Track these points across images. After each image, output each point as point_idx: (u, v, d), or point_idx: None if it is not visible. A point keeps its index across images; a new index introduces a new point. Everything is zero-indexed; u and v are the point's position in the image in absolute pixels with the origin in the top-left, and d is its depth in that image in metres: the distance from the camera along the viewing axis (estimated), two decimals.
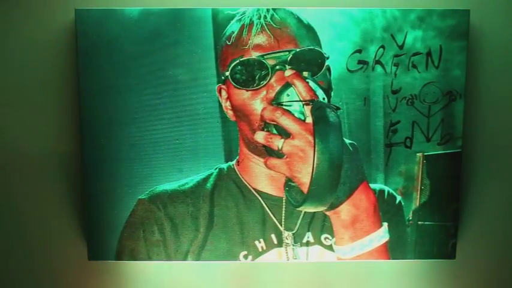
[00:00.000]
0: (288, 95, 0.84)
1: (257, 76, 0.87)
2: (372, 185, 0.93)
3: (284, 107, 0.83)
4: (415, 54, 0.93)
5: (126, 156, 0.94)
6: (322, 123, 0.79)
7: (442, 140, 0.96)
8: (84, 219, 1.01)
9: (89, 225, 0.97)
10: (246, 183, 0.95)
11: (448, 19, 0.93)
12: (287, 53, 0.86)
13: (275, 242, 0.95)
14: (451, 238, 0.99)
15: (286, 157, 0.82)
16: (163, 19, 0.91)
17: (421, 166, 0.95)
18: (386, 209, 0.95)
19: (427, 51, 0.94)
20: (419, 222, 0.98)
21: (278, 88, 0.85)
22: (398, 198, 0.97)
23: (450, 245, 0.99)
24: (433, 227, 0.98)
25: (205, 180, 0.97)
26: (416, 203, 0.97)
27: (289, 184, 0.87)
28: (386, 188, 0.98)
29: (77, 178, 1.00)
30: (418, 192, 0.96)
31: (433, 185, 0.97)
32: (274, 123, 0.84)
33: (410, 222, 0.98)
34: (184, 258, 0.96)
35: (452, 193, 0.97)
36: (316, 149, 0.77)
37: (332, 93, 0.91)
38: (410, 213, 0.97)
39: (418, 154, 0.95)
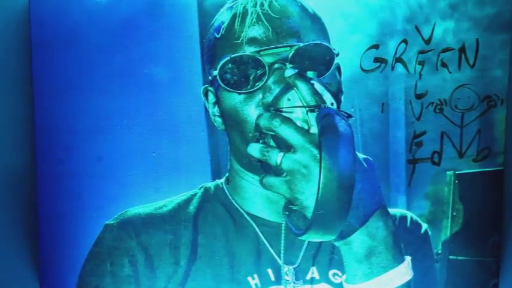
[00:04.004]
0: (288, 100, 0.84)
1: (252, 76, 0.88)
2: (392, 210, 0.94)
3: (284, 113, 0.84)
4: (445, 50, 0.95)
5: (90, 171, 0.95)
6: (330, 133, 0.79)
7: (479, 156, 0.97)
8: (36, 248, 1.02)
9: (42, 257, 0.98)
10: (237, 206, 0.96)
11: (487, 7, 0.95)
12: (288, 48, 0.87)
13: (272, 278, 0.96)
14: (491, 277, 0.99)
15: (286, 174, 0.83)
16: (137, 6, 0.92)
17: (452, 187, 0.96)
18: (409, 240, 0.96)
19: (460, 46, 0.95)
20: (451, 257, 0.98)
21: (277, 91, 0.86)
22: (425, 226, 0.97)
23: (491, 285, 0.99)
24: (468, 263, 0.98)
25: (187, 202, 0.98)
26: (446, 233, 0.97)
27: (290, 207, 0.87)
28: (409, 214, 0.98)
29: (28, 198, 1.01)
30: (449, 220, 0.97)
31: (467, 210, 0.97)
32: (272, 133, 0.84)
33: (440, 256, 0.98)
34: None
35: (491, 221, 0.98)
36: (322, 165, 0.77)
37: (342, 98, 0.92)
38: (440, 245, 0.98)
39: (448, 173, 0.96)
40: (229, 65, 0.88)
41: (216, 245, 0.95)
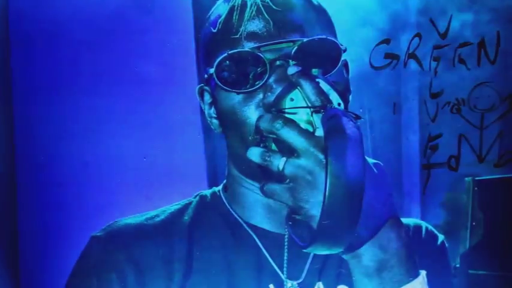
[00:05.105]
0: (291, 100, 0.83)
1: (251, 74, 0.87)
2: (405, 220, 0.93)
3: (287, 115, 0.83)
4: (462, 44, 0.95)
5: (75, 179, 0.95)
6: (336, 136, 0.78)
7: (501, 160, 0.97)
8: (15, 264, 1.01)
9: (23, 273, 0.97)
10: (235, 215, 0.96)
11: None
12: (291, 43, 0.87)
13: None
14: None
15: (289, 181, 0.81)
16: None
17: (471, 195, 0.96)
18: (424, 253, 0.95)
19: (480, 40, 0.95)
20: (471, 271, 0.98)
21: (279, 90, 0.85)
22: (441, 237, 0.97)
23: None
24: (490, 278, 0.98)
25: (181, 211, 0.98)
26: (465, 245, 0.97)
27: (294, 217, 0.86)
28: (424, 224, 0.98)
29: (6, 209, 1.01)
30: (468, 230, 0.97)
31: (488, 220, 0.97)
32: (274, 136, 0.83)
33: (458, 270, 0.97)
34: None
35: None
36: (328, 171, 0.76)
37: (350, 97, 0.92)
38: (458, 258, 0.97)
39: (467, 179, 0.95)
40: (227, 62, 0.87)
41: (213, 258, 0.95)
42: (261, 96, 0.87)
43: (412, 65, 0.93)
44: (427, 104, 0.94)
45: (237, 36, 0.88)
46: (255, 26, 0.87)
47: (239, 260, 0.94)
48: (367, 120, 0.91)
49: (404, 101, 0.93)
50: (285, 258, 0.92)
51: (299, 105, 0.82)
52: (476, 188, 0.95)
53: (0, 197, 1.01)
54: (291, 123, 0.80)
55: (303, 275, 0.95)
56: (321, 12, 0.92)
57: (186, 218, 0.97)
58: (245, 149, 0.84)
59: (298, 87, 0.82)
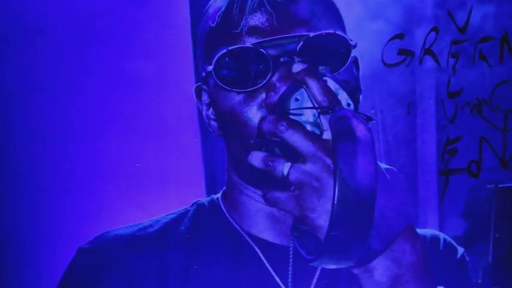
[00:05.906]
0: (297, 100, 0.83)
1: (253, 72, 0.87)
2: (421, 231, 0.93)
3: (291, 116, 0.82)
4: (483, 39, 0.94)
5: (60, 186, 0.94)
6: (346, 140, 0.77)
7: None
8: None
9: (3, 285, 0.97)
10: (236, 225, 0.96)
11: None
12: (296, 39, 0.86)
13: None
14: None
15: (295, 188, 0.81)
16: None
17: (494, 203, 0.95)
18: (442, 267, 0.95)
19: (503, 35, 0.94)
20: None
21: (283, 89, 0.84)
22: (461, 250, 0.96)
23: None
24: None
25: (177, 221, 0.97)
26: (488, 259, 0.96)
27: (299, 228, 0.86)
28: (441, 235, 0.97)
29: None
30: (491, 243, 0.96)
31: None
32: (278, 139, 0.82)
33: (480, 286, 0.96)
34: None
35: None
36: (337, 176, 0.75)
37: (361, 97, 0.91)
38: (480, 273, 0.96)
39: (489, 186, 0.95)
40: (227, 59, 0.87)
41: (212, 272, 0.94)
42: (263, 96, 0.87)
43: (428, 61, 0.93)
44: (444, 104, 0.93)
45: (238, 31, 0.87)
46: (257, 19, 0.87)
47: (240, 274, 0.94)
48: (379, 122, 0.90)
49: (419, 101, 0.92)
50: (290, 272, 0.92)
51: (305, 105, 0.82)
52: (499, 196, 0.94)
53: None
54: (296, 125, 0.80)
55: None
56: (328, 4, 0.92)
57: (182, 228, 0.96)
58: (246, 153, 0.84)
59: (304, 86, 0.82)
